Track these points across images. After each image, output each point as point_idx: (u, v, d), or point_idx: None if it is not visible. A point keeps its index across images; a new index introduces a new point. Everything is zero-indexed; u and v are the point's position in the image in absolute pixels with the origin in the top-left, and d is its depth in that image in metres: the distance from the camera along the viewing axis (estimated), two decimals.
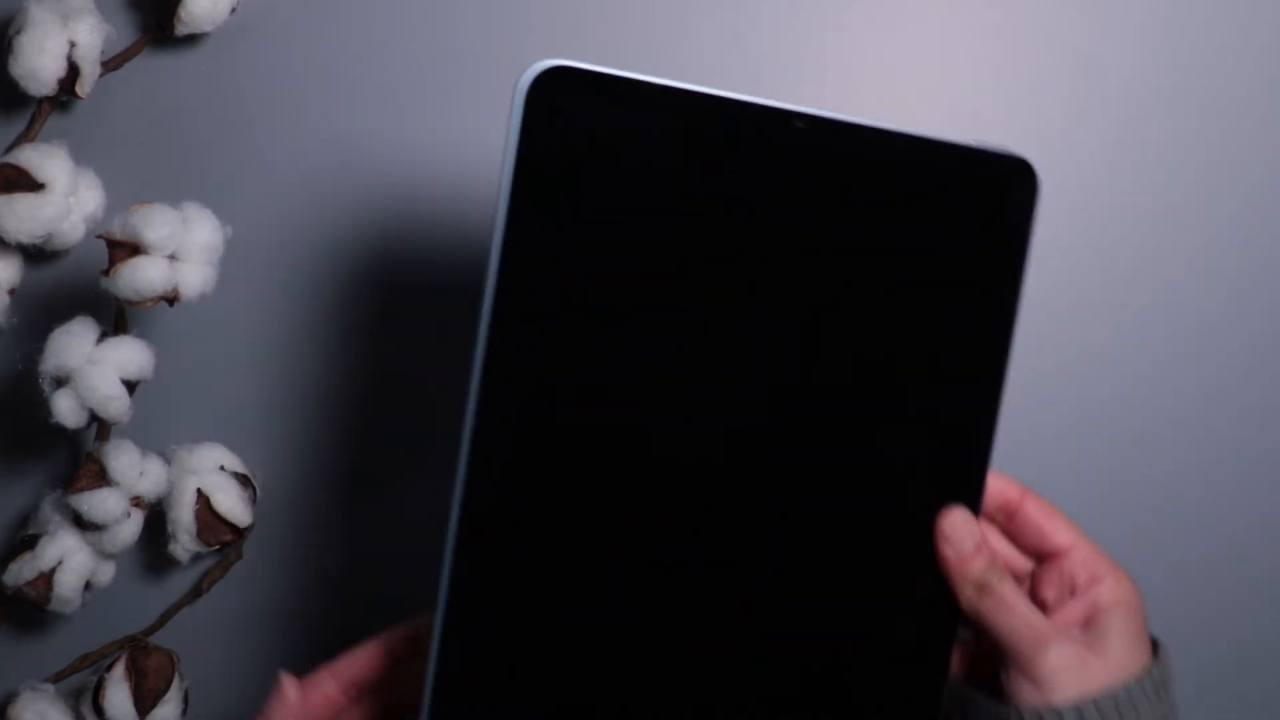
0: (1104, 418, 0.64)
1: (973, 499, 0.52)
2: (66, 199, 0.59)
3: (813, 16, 0.63)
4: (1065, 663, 0.51)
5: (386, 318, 0.64)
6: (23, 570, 0.60)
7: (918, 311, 0.51)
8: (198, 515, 0.60)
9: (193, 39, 0.63)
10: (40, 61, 0.59)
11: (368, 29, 0.63)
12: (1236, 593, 0.64)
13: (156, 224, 0.55)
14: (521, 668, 0.51)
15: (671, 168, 0.50)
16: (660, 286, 0.51)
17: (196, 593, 0.64)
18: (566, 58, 0.49)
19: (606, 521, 0.51)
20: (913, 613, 0.52)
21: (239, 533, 0.61)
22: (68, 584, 0.60)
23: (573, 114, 0.49)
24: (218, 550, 0.62)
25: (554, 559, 0.51)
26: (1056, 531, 0.54)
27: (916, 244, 0.51)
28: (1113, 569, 0.53)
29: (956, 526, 0.52)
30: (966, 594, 0.52)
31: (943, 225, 0.51)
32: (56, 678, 0.63)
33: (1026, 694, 0.51)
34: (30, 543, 0.60)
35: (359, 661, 0.51)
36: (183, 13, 0.61)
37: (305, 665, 0.64)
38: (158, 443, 0.62)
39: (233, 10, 0.62)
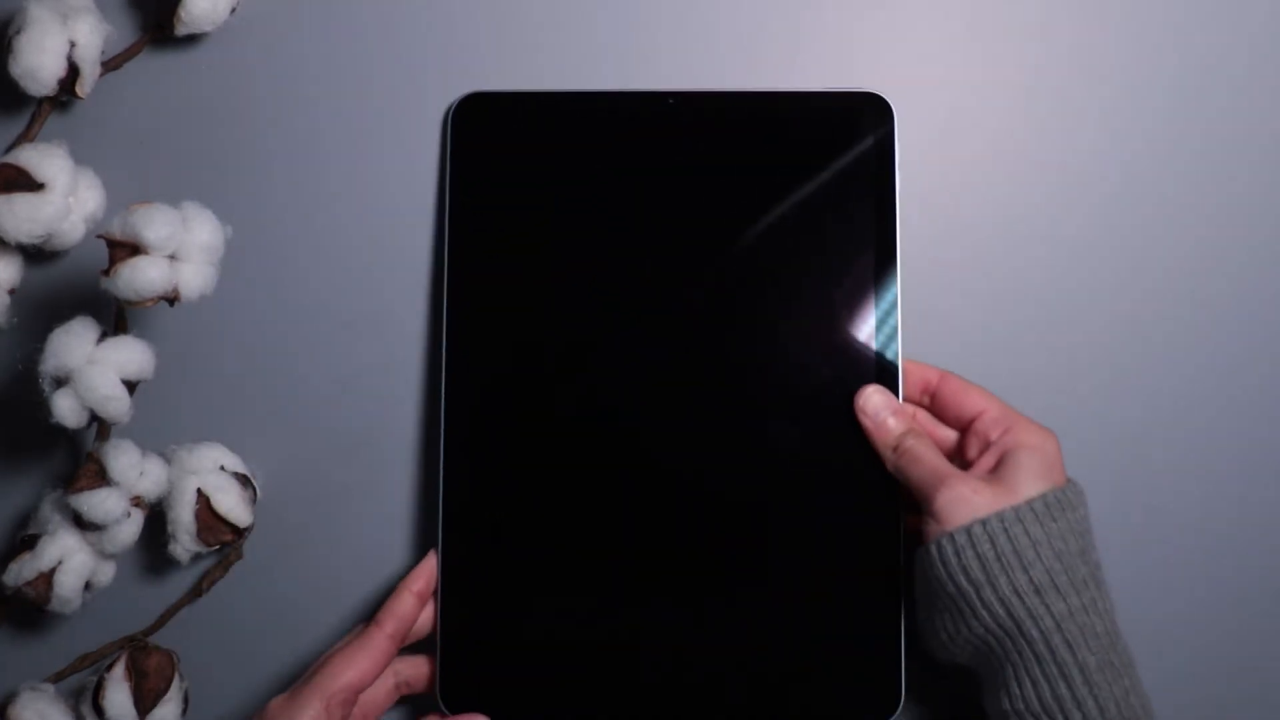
0: (1104, 417, 0.64)
1: (889, 383, 0.59)
2: (66, 199, 0.59)
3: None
4: (958, 495, 0.56)
5: (387, 317, 0.64)
6: (23, 570, 0.60)
7: (810, 234, 0.60)
8: (198, 515, 0.60)
9: (192, 39, 0.63)
10: (40, 61, 0.59)
11: (366, 30, 0.63)
12: (1233, 591, 0.64)
13: (156, 224, 0.55)
14: (514, 606, 0.60)
15: (576, 154, 0.60)
16: (585, 253, 0.60)
17: (196, 593, 0.64)
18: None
19: (566, 455, 0.60)
20: (860, 499, 0.59)
21: (239, 533, 0.61)
22: (68, 584, 0.60)
23: (491, 127, 0.61)
24: (218, 550, 0.63)
25: (521, 505, 0.60)
26: (971, 399, 0.59)
27: (800, 173, 0.60)
28: (1022, 420, 0.58)
29: (870, 398, 0.59)
30: (888, 458, 0.59)
31: (818, 157, 0.60)
32: (56, 678, 0.63)
33: (932, 531, 0.56)
34: (30, 542, 0.60)
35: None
36: (183, 13, 0.61)
37: (305, 666, 0.64)
38: (158, 443, 0.62)
39: (232, 10, 0.62)
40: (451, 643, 0.60)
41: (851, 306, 0.60)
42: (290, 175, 0.64)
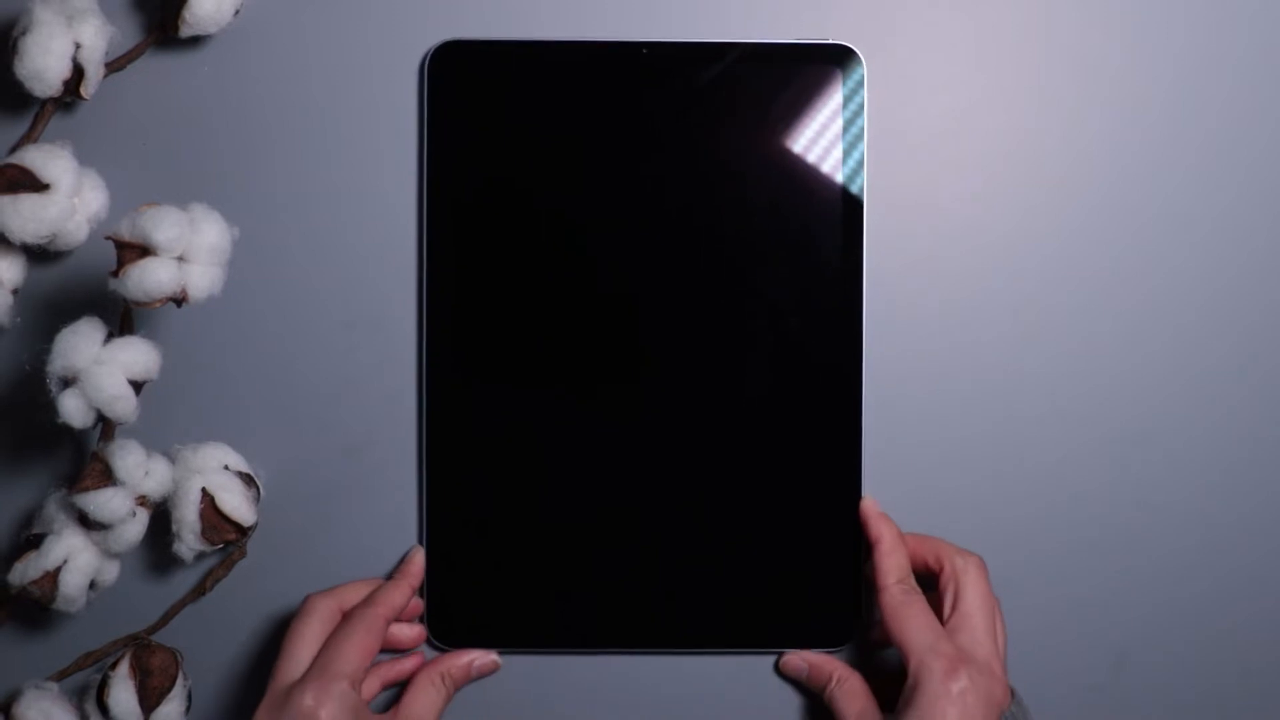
0: (1104, 417, 0.65)
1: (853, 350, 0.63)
2: (70, 199, 0.59)
3: None
4: None
5: (389, 317, 0.64)
6: (28, 569, 0.60)
7: (782, 183, 0.62)
8: (202, 514, 0.61)
9: (196, 40, 0.63)
10: (45, 63, 0.59)
11: (367, 30, 0.64)
12: (1234, 591, 0.65)
13: (165, 225, 0.55)
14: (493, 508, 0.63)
15: (549, 102, 0.62)
16: (559, 200, 0.62)
17: (200, 591, 0.64)
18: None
19: (553, 355, 0.63)
20: (820, 437, 0.63)
21: (243, 531, 0.61)
22: (73, 583, 0.60)
23: (467, 75, 0.62)
24: (221, 549, 0.63)
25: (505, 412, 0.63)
26: (901, 626, 0.60)
27: (772, 123, 0.62)
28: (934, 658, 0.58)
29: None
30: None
31: (790, 107, 0.62)
32: (60, 676, 0.63)
33: None
34: (35, 542, 0.60)
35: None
36: (187, 14, 0.61)
37: None
38: (162, 442, 0.62)
39: (236, 12, 0.62)
40: (438, 576, 0.63)
41: (821, 251, 0.62)
42: (293, 176, 0.64)
